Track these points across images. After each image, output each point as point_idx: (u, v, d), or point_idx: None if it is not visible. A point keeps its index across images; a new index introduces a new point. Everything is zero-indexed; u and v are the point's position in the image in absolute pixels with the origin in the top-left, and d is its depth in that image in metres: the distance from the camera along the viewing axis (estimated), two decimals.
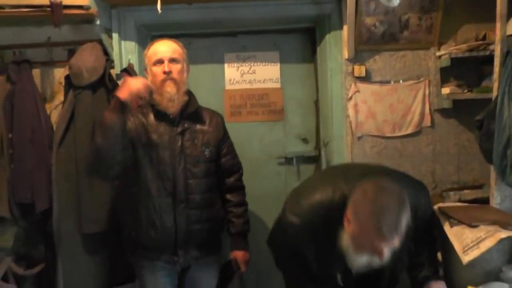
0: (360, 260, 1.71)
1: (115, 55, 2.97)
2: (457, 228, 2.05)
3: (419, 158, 3.03)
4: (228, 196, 2.46)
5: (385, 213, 1.58)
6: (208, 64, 3.34)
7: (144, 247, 2.28)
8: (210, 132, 2.34)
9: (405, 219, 1.61)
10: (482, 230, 1.95)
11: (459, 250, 1.96)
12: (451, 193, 2.84)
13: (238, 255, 2.45)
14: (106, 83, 2.80)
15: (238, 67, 3.35)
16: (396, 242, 1.59)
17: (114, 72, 2.95)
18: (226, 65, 3.35)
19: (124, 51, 3.02)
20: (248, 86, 3.36)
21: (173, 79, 2.22)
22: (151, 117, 2.27)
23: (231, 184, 2.46)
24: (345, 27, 2.93)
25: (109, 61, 2.90)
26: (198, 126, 2.32)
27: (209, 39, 3.34)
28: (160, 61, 2.23)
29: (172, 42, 2.31)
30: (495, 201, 2.34)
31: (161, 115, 2.27)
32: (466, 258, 1.92)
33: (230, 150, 2.46)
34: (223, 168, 2.42)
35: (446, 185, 3.01)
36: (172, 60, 2.24)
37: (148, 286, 2.33)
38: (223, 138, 2.42)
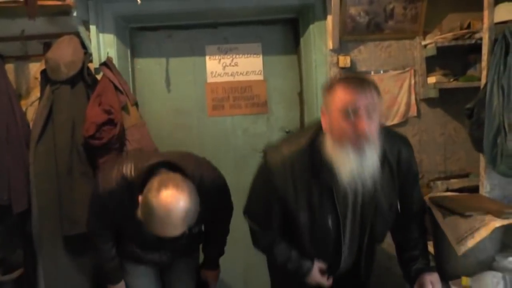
0: (346, 162, 1.63)
1: (93, 48, 2.89)
2: (450, 219, 2.03)
3: None
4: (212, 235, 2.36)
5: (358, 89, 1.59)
6: (189, 56, 3.27)
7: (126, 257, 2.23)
8: (204, 213, 1.89)
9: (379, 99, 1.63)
10: (476, 220, 1.93)
11: (453, 241, 1.94)
12: (439, 182, 2.84)
13: (209, 275, 2.39)
14: (84, 78, 2.72)
15: (220, 59, 3.29)
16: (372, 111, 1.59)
17: (93, 66, 2.87)
18: (207, 57, 3.29)
19: (102, 44, 2.94)
20: (230, 78, 3.30)
21: None
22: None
23: (218, 230, 2.35)
24: (329, 17, 2.90)
25: (87, 55, 2.82)
26: None
27: (190, 31, 3.27)
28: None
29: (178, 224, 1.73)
30: (485, 189, 2.34)
31: None
32: (461, 249, 1.89)
33: (224, 214, 2.28)
34: (211, 229, 2.32)
35: (433, 175, 3.01)
36: None
37: (130, 275, 2.27)
38: (219, 206, 2.18)
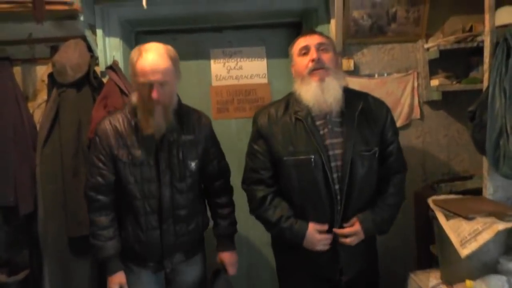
0: (309, 90, 1.99)
1: (99, 52, 2.91)
2: (453, 221, 2.04)
3: (409, 151, 3.01)
4: (215, 199, 2.39)
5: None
6: (194, 60, 3.29)
7: (128, 259, 2.22)
8: (196, 142, 2.21)
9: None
10: (479, 222, 1.94)
11: (456, 243, 1.95)
12: (442, 184, 2.83)
13: (225, 256, 2.36)
14: (90, 81, 2.73)
15: (225, 63, 3.30)
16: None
17: (99, 69, 2.89)
18: (212, 61, 3.31)
19: (108, 47, 2.97)
20: (235, 82, 3.31)
21: (162, 105, 2.03)
22: (132, 129, 2.13)
23: (218, 187, 2.38)
24: (333, 21, 2.91)
25: (94, 58, 2.83)
26: (184, 137, 2.17)
27: (194, 35, 3.29)
28: (149, 85, 1.99)
29: (162, 57, 2.01)
30: (488, 191, 2.33)
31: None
32: (464, 252, 1.90)
33: (216, 154, 2.34)
34: (209, 174, 2.32)
35: (437, 177, 3.00)
36: (163, 84, 2.00)
37: (133, 284, 2.25)
38: (210, 143, 2.29)
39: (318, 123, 2.03)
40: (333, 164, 2.01)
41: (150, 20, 3.05)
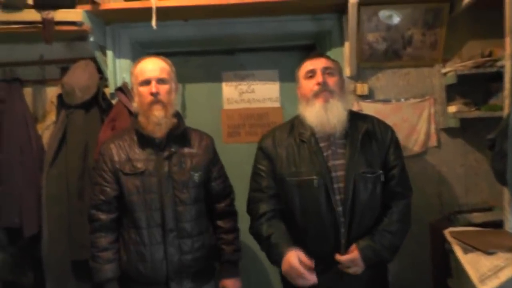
0: (313, 112, 2.04)
1: (109, 73, 2.90)
2: (472, 255, 1.93)
3: (425, 180, 2.92)
4: (219, 223, 2.35)
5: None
6: (205, 82, 3.26)
7: (133, 281, 2.16)
8: (199, 155, 2.23)
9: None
10: (500, 258, 1.83)
11: (475, 279, 1.83)
12: (460, 216, 2.70)
13: (228, 284, 2.30)
14: (99, 102, 2.73)
15: (237, 86, 3.27)
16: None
17: (108, 91, 2.87)
18: (224, 83, 3.27)
19: (118, 69, 2.95)
20: (247, 105, 3.27)
21: (161, 102, 2.11)
22: (135, 142, 2.17)
23: (222, 209, 2.35)
24: (347, 44, 2.86)
25: (103, 80, 2.84)
26: (186, 149, 2.21)
27: (206, 57, 3.27)
28: (147, 82, 2.12)
29: (159, 60, 2.21)
30: (510, 225, 2.23)
31: (146, 139, 2.16)
32: None
33: (220, 173, 2.34)
34: (213, 193, 2.30)
35: (454, 208, 2.87)
36: (160, 81, 2.13)
37: None
38: (213, 161, 2.30)
39: (321, 144, 2.06)
40: (335, 186, 2.01)
41: (161, 42, 3.03)
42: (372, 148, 2.07)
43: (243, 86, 3.26)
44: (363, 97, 2.93)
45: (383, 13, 2.79)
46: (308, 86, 2.08)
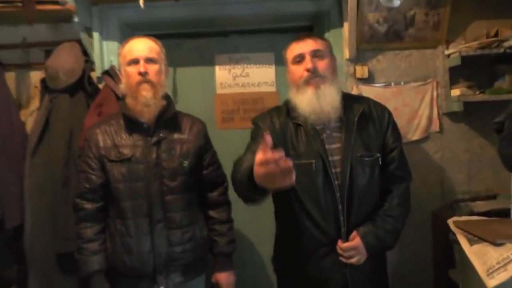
0: (305, 98, 1.92)
1: (95, 56, 2.77)
2: (478, 247, 1.82)
3: (427, 167, 2.81)
4: (211, 213, 2.24)
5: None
6: (197, 66, 3.12)
7: (119, 273, 2.05)
8: (189, 141, 2.13)
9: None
10: (509, 249, 1.72)
11: (482, 273, 1.73)
12: (462, 204, 2.61)
13: (221, 278, 2.21)
14: (85, 87, 2.61)
15: (230, 69, 3.13)
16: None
17: (95, 75, 2.75)
18: (217, 67, 3.13)
19: (106, 51, 2.82)
20: (241, 90, 3.13)
21: (149, 82, 2.01)
22: (122, 127, 2.08)
23: (214, 199, 2.24)
24: (346, 25, 2.73)
25: (89, 63, 2.72)
26: (176, 135, 2.11)
27: (198, 40, 3.12)
28: (135, 61, 2.02)
29: (149, 40, 2.10)
30: None
31: (133, 124, 2.06)
32: (491, 282, 1.68)
33: (213, 160, 2.25)
34: (205, 181, 2.21)
35: (456, 196, 2.78)
36: (149, 60, 2.03)
37: None
38: (205, 147, 2.20)
39: (318, 128, 1.97)
40: (333, 170, 1.92)
41: (151, 23, 2.89)
42: (369, 131, 1.98)
43: (237, 69, 3.13)
44: (362, 81, 2.82)
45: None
46: (298, 72, 1.97)
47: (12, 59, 2.78)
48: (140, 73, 1.99)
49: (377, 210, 1.96)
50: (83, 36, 2.69)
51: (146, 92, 2.00)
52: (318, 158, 1.91)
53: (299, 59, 1.96)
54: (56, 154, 2.48)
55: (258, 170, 1.45)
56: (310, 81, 1.93)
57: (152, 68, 2.02)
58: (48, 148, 2.52)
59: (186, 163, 2.08)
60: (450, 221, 2.13)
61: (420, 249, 2.78)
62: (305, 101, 1.93)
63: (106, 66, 2.75)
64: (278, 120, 2.04)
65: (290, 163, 1.38)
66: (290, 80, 2.04)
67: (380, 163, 1.97)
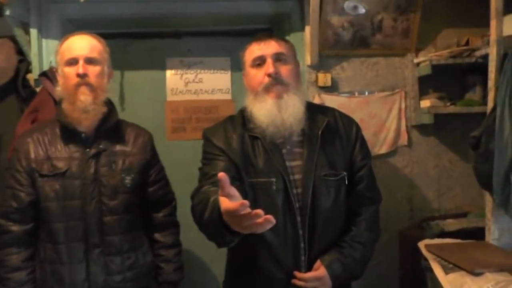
0: (264, 108, 1.69)
1: (33, 56, 2.48)
2: (455, 276, 1.65)
3: (394, 182, 2.64)
4: (156, 236, 2.00)
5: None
6: (147, 70, 2.88)
7: None
8: (133, 154, 1.90)
9: None
10: (489, 280, 1.54)
11: None
12: (432, 223, 2.45)
13: None
14: (18, 89, 2.36)
15: (182, 74, 2.90)
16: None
17: (32, 77, 2.48)
18: (168, 71, 2.90)
19: (45, 51, 2.54)
20: (193, 97, 2.91)
21: (89, 85, 1.78)
22: (58, 136, 1.84)
23: (160, 220, 2.01)
24: (308, 28, 2.54)
25: (24, 63, 2.45)
26: (118, 147, 1.88)
27: (149, 41, 2.89)
28: (74, 61, 1.78)
29: (90, 37, 1.86)
30: (492, 236, 1.96)
31: (70, 133, 1.82)
32: None
33: (159, 177, 2.01)
34: (150, 200, 1.98)
35: (425, 214, 2.63)
36: (90, 60, 1.79)
37: None
38: (151, 161, 1.97)
39: (277, 141, 1.73)
40: (294, 191, 1.69)
41: (97, 21, 2.63)
42: (334, 146, 1.77)
43: (190, 74, 2.90)
44: (325, 89, 2.62)
45: (348, 4, 2.50)
46: (257, 76, 1.72)
47: None
48: (78, 75, 1.76)
49: (343, 235, 1.75)
50: (18, 32, 2.42)
51: (84, 97, 1.77)
52: (278, 177, 1.68)
53: (259, 62, 1.72)
54: None
55: (226, 218, 1.26)
56: (271, 89, 1.69)
57: (93, 70, 1.80)
58: None
59: (128, 179, 1.86)
60: (421, 245, 1.95)
61: (385, 270, 2.61)
62: (264, 111, 1.70)
63: (46, 67, 2.47)
64: (233, 134, 1.79)
65: (259, 212, 1.15)
66: (247, 85, 1.81)
67: (347, 182, 1.75)
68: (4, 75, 2.30)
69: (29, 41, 2.49)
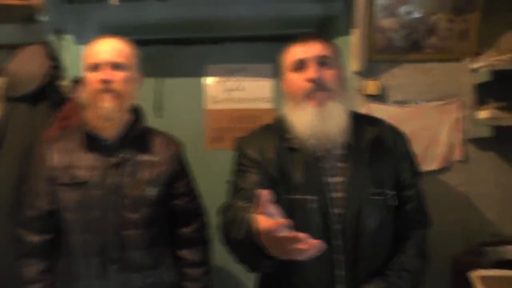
0: (305, 117, 1.57)
1: (67, 62, 2.46)
2: None
3: (447, 203, 2.41)
4: (183, 253, 1.89)
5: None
6: (186, 77, 2.84)
7: None
8: (160, 165, 1.81)
9: None
10: None
11: None
12: (489, 249, 2.22)
13: None
14: (50, 96, 2.32)
15: (224, 82, 2.83)
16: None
17: (65, 83, 2.43)
18: (208, 78, 2.84)
19: (80, 57, 2.49)
20: (234, 105, 2.84)
21: (113, 91, 1.71)
22: (80, 144, 1.78)
23: (187, 236, 1.89)
24: (355, 31, 2.38)
25: (57, 69, 2.40)
26: (144, 156, 1.79)
27: (189, 47, 2.85)
28: (98, 66, 1.73)
29: (117, 41, 1.80)
30: None
31: (93, 141, 1.77)
32: None
33: (188, 190, 1.91)
34: (177, 214, 1.89)
35: (483, 238, 2.38)
36: (115, 66, 1.73)
37: None
38: (179, 173, 1.88)
39: (318, 154, 1.59)
40: (335, 211, 1.54)
41: (135, 27, 2.60)
42: (382, 162, 1.62)
43: (232, 82, 2.83)
44: (374, 98, 2.44)
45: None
46: (297, 81, 1.60)
47: None
48: (102, 81, 1.70)
49: (389, 262, 1.60)
50: (53, 38, 2.42)
51: (108, 103, 1.71)
52: (317, 194, 1.55)
53: (301, 65, 1.60)
54: (6, 174, 2.18)
55: (262, 240, 1.17)
56: (313, 95, 1.57)
57: (118, 75, 1.73)
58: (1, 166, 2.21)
59: (154, 191, 1.77)
60: (475, 276, 1.72)
61: None
62: (305, 120, 1.58)
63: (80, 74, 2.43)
64: (269, 144, 1.66)
65: (303, 236, 1.06)
66: (286, 91, 1.69)
67: (396, 203, 1.61)
68: (36, 82, 2.27)
69: (63, 47, 2.47)
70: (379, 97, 2.45)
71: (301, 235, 1.03)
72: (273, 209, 1.11)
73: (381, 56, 2.43)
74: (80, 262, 1.71)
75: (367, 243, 1.53)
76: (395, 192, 1.60)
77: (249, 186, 1.55)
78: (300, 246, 1.03)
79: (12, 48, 2.43)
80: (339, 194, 1.55)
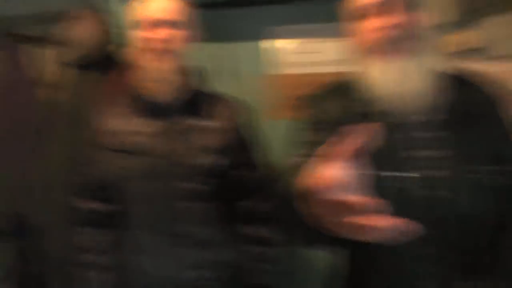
0: (376, 75, 1.36)
1: (117, 28, 2.41)
2: None
3: None
4: (245, 229, 1.78)
5: None
6: (251, 41, 2.68)
7: None
8: (218, 131, 1.72)
9: None
10: None
11: None
12: None
13: None
14: (105, 61, 2.32)
15: (294, 44, 2.65)
16: None
17: (117, 48, 2.41)
18: (275, 42, 2.67)
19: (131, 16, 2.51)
20: (310, 70, 2.64)
21: (168, 51, 1.65)
22: (130, 108, 1.74)
23: (250, 210, 1.77)
24: None
25: (111, 34, 2.40)
26: (199, 121, 1.71)
27: (253, 7, 2.67)
28: (152, 24, 1.65)
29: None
30: None
31: (142, 104, 1.71)
32: None
33: (250, 159, 1.81)
34: (237, 185, 1.76)
35: None
36: (168, 23, 1.65)
37: None
38: (239, 140, 1.78)
39: (397, 121, 1.36)
40: (417, 193, 1.29)
41: None
42: (477, 133, 1.35)
43: (304, 44, 2.64)
44: (472, 52, 2.14)
45: None
46: (364, 32, 1.39)
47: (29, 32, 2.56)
48: (161, 40, 1.65)
49: (493, 257, 1.33)
50: (103, 4, 2.42)
51: (159, 64, 1.66)
52: (398, 170, 1.32)
53: (366, 12, 1.38)
54: (64, 141, 2.25)
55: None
56: (382, 47, 1.35)
57: (173, 34, 1.66)
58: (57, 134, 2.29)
59: (209, 160, 1.68)
60: None
61: None
62: (377, 79, 1.38)
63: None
64: (340, 106, 1.46)
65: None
66: (352, 44, 1.47)
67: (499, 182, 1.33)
68: (88, 47, 2.30)
69: (118, 12, 2.42)
70: (477, 52, 2.15)
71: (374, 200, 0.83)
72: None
73: (479, 2, 2.13)
74: (129, 235, 1.68)
75: (465, 232, 1.29)
76: (497, 167, 1.33)
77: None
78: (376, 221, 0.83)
79: (62, 16, 2.45)
80: (426, 172, 1.31)
